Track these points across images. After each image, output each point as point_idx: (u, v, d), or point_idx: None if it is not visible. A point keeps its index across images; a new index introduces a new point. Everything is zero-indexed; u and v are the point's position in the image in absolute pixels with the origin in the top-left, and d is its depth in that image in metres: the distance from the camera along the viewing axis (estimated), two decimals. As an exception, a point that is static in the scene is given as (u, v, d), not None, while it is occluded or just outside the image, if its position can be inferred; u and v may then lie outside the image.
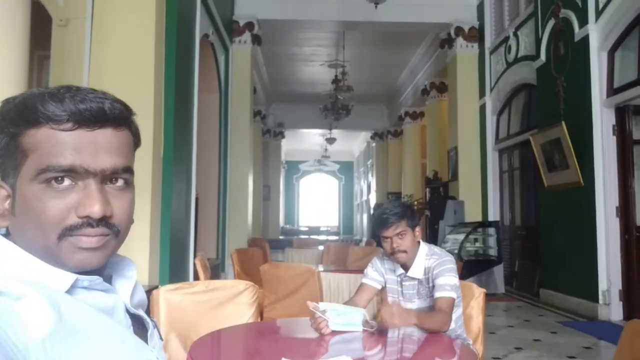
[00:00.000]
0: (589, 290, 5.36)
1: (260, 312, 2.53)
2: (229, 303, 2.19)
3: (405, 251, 2.08)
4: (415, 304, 2.15)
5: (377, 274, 2.23)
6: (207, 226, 7.12)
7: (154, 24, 3.96)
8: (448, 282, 2.01)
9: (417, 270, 2.12)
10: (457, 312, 2.11)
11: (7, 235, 0.63)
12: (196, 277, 4.22)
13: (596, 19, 5.42)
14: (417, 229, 2.15)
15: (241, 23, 8.40)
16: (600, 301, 5.23)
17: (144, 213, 3.80)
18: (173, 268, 4.46)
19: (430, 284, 2.09)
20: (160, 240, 4.17)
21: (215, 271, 6.77)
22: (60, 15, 3.65)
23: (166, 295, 2.10)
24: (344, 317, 1.80)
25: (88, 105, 0.60)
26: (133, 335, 0.62)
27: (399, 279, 2.18)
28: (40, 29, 3.47)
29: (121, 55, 3.85)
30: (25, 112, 0.60)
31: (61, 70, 3.66)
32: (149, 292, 2.21)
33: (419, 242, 2.16)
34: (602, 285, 5.24)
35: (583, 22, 5.56)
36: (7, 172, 0.62)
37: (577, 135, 5.50)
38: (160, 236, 4.15)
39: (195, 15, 5.53)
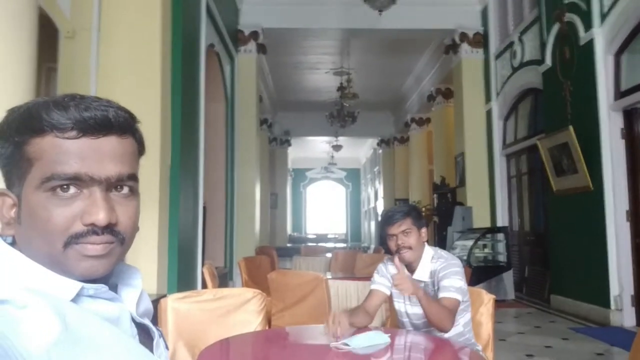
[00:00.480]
0: (601, 296, 5.29)
1: (268, 320, 2.52)
2: (236, 311, 2.18)
3: (410, 247, 2.08)
4: (420, 307, 2.13)
5: (384, 279, 2.22)
6: (215, 234, 7.13)
7: (159, 34, 3.99)
8: (453, 284, 2.00)
9: (422, 272, 2.11)
10: (465, 317, 2.09)
11: (13, 243, 0.63)
12: (204, 286, 4.22)
13: (601, 23, 5.40)
14: (423, 230, 2.15)
15: (246, 32, 8.46)
16: (612, 307, 5.16)
17: (152, 222, 3.81)
18: (181, 276, 4.46)
19: (436, 287, 2.07)
20: (168, 249, 4.18)
21: (223, 279, 6.77)
22: (67, 27, 3.68)
23: (174, 303, 2.10)
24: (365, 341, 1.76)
25: (92, 113, 0.61)
26: (139, 345, 0.62)
27: (404, 283, 2.16)
28: (47, 40, 3.50)
29: (128, 66, 3.88)
30: (30, 121, 0.60)
31: (68, 82, 3.69)
32: (156, 300, 2.21)
33: (424, 244, 2.16)
34: (614, 290, 5.18)
35: (588, 25, 5.54)
36: (12, 181, 0.62)
37: (585, 139, 5.47)
38: (168, 245, 4.16)
39: (201, 25, 5.57)
